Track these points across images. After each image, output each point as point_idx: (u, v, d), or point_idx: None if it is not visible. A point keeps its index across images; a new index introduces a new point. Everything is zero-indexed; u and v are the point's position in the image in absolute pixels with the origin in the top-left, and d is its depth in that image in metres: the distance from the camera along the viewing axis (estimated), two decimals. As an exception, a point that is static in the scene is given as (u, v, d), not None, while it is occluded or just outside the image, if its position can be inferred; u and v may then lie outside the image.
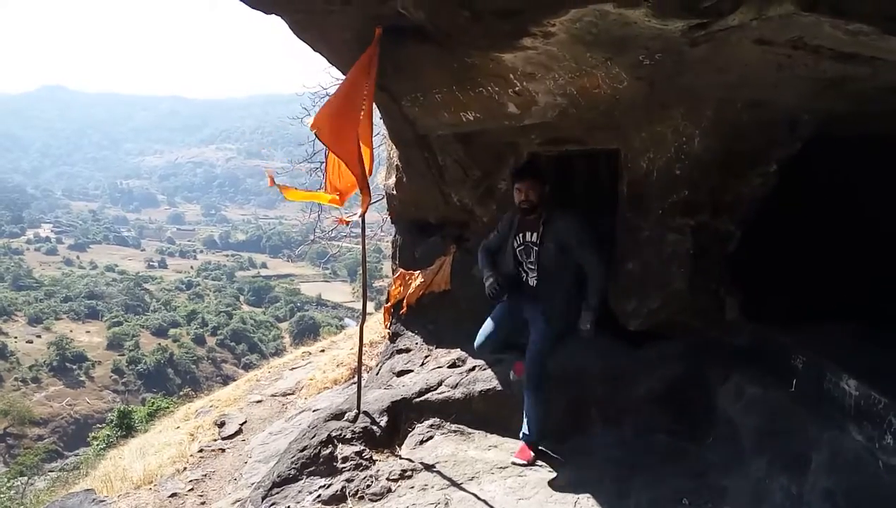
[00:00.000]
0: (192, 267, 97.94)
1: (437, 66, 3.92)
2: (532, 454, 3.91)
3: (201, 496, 4.94)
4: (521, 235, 3.94)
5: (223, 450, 5.82)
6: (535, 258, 3.88)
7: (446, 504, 3.54)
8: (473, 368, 4.78)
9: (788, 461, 3.03)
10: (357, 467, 3.94)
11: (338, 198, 4.48)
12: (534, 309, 3.94)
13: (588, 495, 3.50)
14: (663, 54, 2.90)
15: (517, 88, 3.76)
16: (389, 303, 6.54)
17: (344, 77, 4.42)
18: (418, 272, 6.14)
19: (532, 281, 3.96)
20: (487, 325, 4.11)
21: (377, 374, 5.80)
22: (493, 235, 4.18)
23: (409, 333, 6.09)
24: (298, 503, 3.70)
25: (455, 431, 4.37)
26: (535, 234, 3.86)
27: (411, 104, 4.64)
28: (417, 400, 4.57)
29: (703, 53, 2.79)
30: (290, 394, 7.33)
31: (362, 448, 4.11)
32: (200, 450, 5.88)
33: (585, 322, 3.85)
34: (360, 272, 4.86)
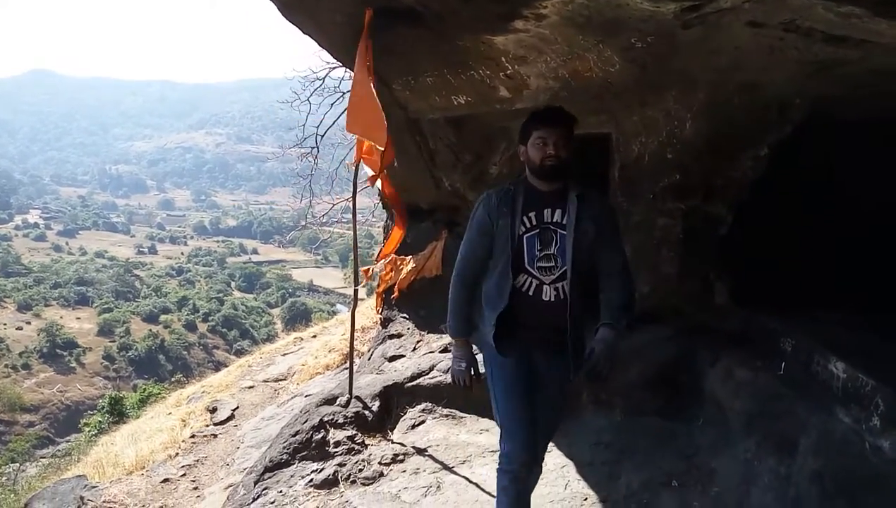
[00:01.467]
0: (182, 254, 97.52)
1: (428, 49, 3.89)
2: None
3: (193, 481, 4.95)
4: (531, 215, 2.47)
5: (215, 436, 5.82)
6: (558, 250, 2.43)
7: (438, 487, 3.56)
8: (465, 353, 4.79)
9: (777, 442, 3.06)
10: (349, 451, 3.95)
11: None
12: (546, 362, 2.55)
13: (579, 477, 3.53)
14: (655, 37, 2.89)
15: (509, 72, 3.74)
16: (381, 289, 6.55)
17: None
18: (410, 257, 6.14)
19: (549, 294, 2.46)
20: (513, 425, 2.55)
21: (369, 359, 5.82)
22: (473, 241, 2.59)
23: (401, 318, 6.11)
24: (291, 487, 3.71)
25: (447, 415, 4.38)
26: (558, 212, 2.46)
27: (402, 88, 4.60)
28: (409, 384, 4.58)
29: (696, 36, 2.77)
30: (281, 380, 7.33)
31: (354, 432, 4.11)
32: (192, 436, 5.88)
33: (608, 346, 2.42)
34: (352, 257, 4.85)
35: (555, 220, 2.47)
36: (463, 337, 2.66)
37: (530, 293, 2.48)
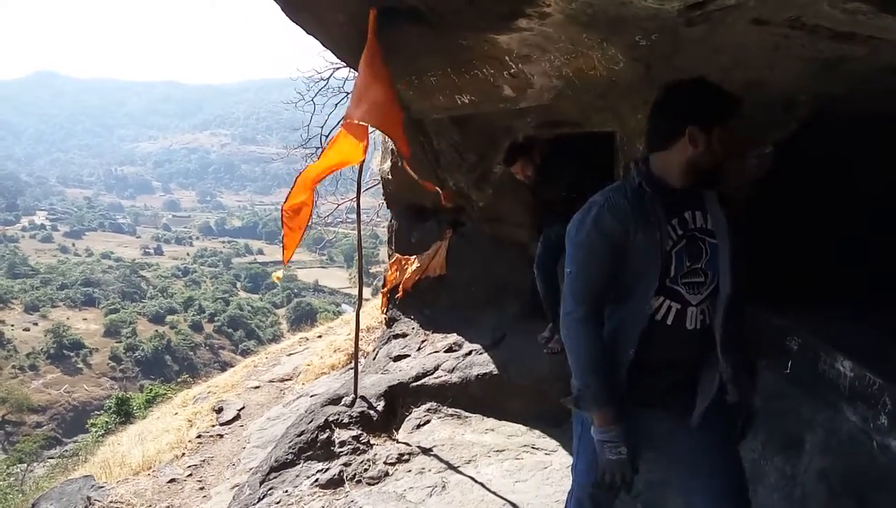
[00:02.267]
0: (188, 254, 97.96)
1: (432, 48, 3.88)
2: None
3: (200, 481, 4.96)
4: (674, 223, 1.88)
5: (221, 436, 5.83)
6: (708, 263, 1.90)
7: (443, 487, 3.56)
8: (470, 352, 4.79)
9: (783, 441, 3.05)
10: (354, 451, 3.96)
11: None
12: (674, 415, 1.98)
13: (584, 477, 3.52)
14: (659, 35, 2.87)
15: (512, 70, 3.73)
16: (386, 289, 6.55)
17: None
18: (414, 257, 6.15)
19: (694, 320, 1.90)
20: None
21: (374, 359, 5.82)
22: (600, 263, 1.87)
23: (406, 318, 6.10)
24: (296, 487, 3.72)
25: (452, 415, 4.38)
26: (699, 215, 1.93)
27: (406, 87, 4.60)
28: (414, 384, 4.58)
29: (700, 34, 2.76)
30: (287, 380, 7.34)
31: (359, 432, 4.12)
32: (199, 436, 5.90)
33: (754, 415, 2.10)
34: (357, 258, 4.85)
35: (699, 226, 1.91)
36: (614, 408, 1.85)
37: (668, 321, 1.88)
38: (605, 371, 1.86)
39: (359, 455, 3.94)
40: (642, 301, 1.85)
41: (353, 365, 4.64)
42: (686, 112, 1.88)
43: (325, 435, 4.04)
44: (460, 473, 3.70)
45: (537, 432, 4.04)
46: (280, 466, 3.90)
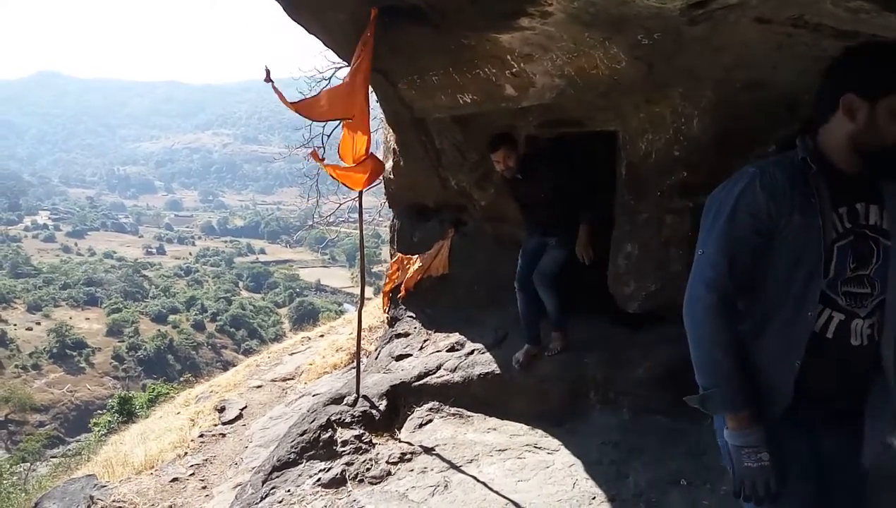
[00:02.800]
0: (190, 254, 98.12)
1: (434, 47, 3.88)
2: None
3: (202, 480, 4.96)
4: (842, 212, 1.56)
5: (224, 435, 5.84)
6: (877, 270, 1.57)
7: (446, 486, 3.56)
8: (472, 352, 4.79)
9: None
10: (357, 450, 3.96)
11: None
12: (834, 446, 1.68)
13: (587, 476, 3.52)
14: (662, 34, 2.87)
15: (514, 70, 3.72)
16: (388, 288, 6.55)
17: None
18: (416, 256, 6.14)
19: (860, 335, 1.58)
20: None
21: (376, 359, 5.82)
22: (738, 241, 1.61)
23: (408, 317, 6.10)
24: (299, 486, 3.72)
25: (454, 414, 4.38)
26: (874, 209, 1.58)
27: (408, 87, 4.60)
28: (416, 383, 4.58)
29: (702, 33, 2.76)
30: (289, 379, 7.34)
31: (362, 431, 4.12)
32: (201, 435, 5.90)
33: None
34: (359, 257, 4.85)
35: (872, 222, 1.56)
36: (748, 409, 1.58)
37: (829, 334, 1.56)
38: (738, 368, 1.59)
39: (361, 454, 3.94)
40: (802, 304, 1.54)
41: (355, 364, 4.64)
42: (844, 76, 1.53)
43: (327, 435, 4.04)
44: (462, 472, 3.70)
45: (539, 431, 4.03)
46: (282, 465, 3.90)
